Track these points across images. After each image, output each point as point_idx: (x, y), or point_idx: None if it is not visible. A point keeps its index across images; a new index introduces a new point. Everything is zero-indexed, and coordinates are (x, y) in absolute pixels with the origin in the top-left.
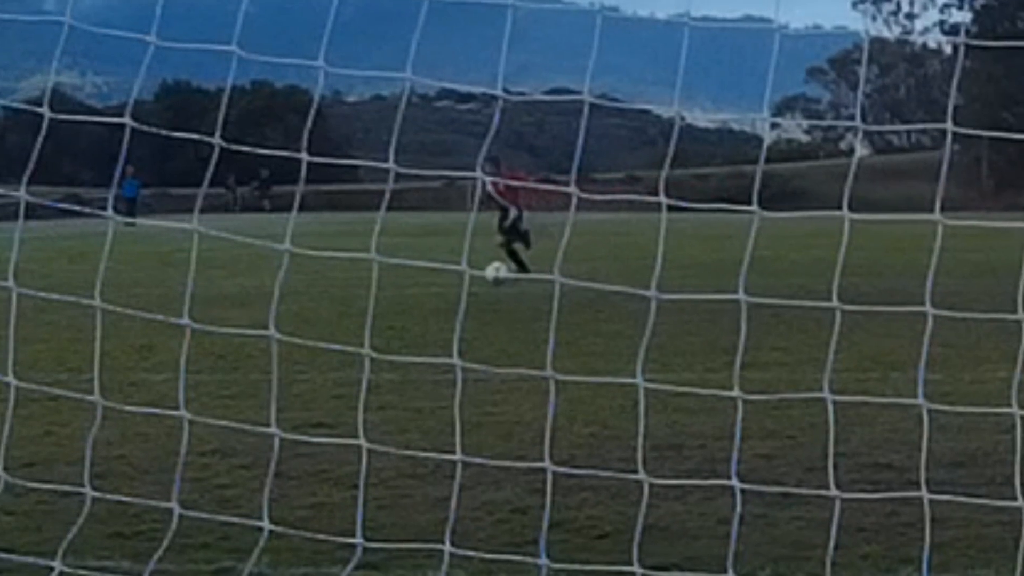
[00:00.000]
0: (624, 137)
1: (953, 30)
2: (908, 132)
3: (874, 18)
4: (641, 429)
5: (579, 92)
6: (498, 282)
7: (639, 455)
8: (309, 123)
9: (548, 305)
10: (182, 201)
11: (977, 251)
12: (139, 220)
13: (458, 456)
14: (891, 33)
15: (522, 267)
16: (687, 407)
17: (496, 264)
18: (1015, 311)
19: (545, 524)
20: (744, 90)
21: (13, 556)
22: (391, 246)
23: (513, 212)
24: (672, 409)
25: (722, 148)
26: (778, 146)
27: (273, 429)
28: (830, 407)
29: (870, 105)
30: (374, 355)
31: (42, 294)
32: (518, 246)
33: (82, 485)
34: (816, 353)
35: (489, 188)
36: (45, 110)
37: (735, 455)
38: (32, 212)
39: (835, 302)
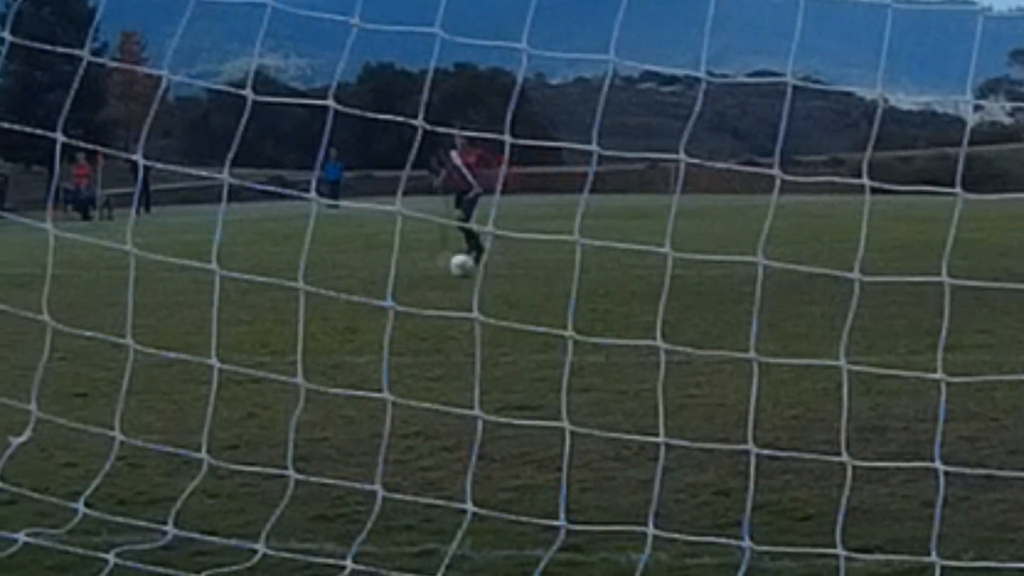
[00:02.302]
0: (827, 119)
1: None
2: None
3: None
4: (844, 411)
5: (782, 74)
6: (466, 275)
7: (842, 437)
8: (512, 105)
9: (751, 287)
10: (385, 183)
11: None
12: (342, 202)
13: (661, 438)
14: None
15: (474, 241)
16: (890, 389)
17: (459, 259)
18: None
19: (748, 506)
20: (947, 72)
21: (216, 539)
22: (594, 228)
23: (476, 189)
24: (875, 391)
25: (925, 130)
26: (981, 128)
27: (476, 411)
28: None
29: None
30: (578, 337)
31: (246, 276)
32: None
33: (285, 467)
34: (1020, 336)
35: (457, 161)
36: (248, 92)
37: (938, 437)
38: (235, 194)
39: None
